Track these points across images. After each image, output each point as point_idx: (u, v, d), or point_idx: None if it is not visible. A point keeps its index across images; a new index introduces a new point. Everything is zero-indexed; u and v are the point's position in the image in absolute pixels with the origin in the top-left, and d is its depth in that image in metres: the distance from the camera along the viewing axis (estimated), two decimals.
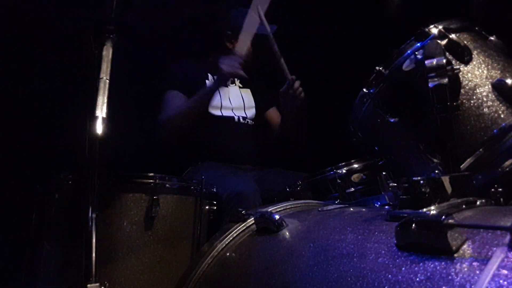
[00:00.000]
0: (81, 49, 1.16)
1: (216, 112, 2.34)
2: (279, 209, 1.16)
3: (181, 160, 2.33)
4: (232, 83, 2.51)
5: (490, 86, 1.12)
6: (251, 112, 2.50)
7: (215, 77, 2.39)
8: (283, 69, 2.14)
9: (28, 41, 2.09)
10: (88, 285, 0.93)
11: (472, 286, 0.49)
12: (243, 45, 2.12)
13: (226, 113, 2.39)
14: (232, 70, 2.09)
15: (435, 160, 1.14)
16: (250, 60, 2.36)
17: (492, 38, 1.24)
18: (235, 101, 2.44)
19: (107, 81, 1.07)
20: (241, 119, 2.42)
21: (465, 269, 0.52)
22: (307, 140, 2.44)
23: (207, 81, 2.38)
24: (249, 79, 2.54)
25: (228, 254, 1.05)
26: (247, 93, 2.54)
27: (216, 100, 2.34)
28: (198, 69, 2.41)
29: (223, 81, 2.21)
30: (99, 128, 1.03)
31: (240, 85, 2.55)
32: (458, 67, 1.10)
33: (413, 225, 0.62)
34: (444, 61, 1.03)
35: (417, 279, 0.55)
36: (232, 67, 2.08)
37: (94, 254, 0.97)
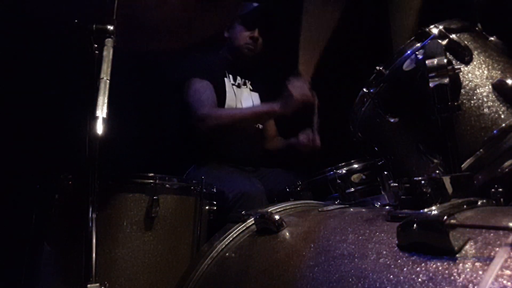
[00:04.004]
0: (81, 49, 1.15)
1: None
2: (279, 210, 1.16)
3: (183, 160, 2.32)
4: (244, 85, 2.49)
5: (490, 86, 1.12)
6: None
7: (230, 75, 2.38)
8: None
9: (28, 41, 2.09)
10: (88, 285, 0.93)
11: (475, 287, 0.48)
12: (307, 64, 2.04)
13: None
14: (302, 96, 2.01)
15: (435, 160, 1.14)
16: (258, 49, 2.38)
17: (492, 39, 1.24)
18: (246, 104, 2.41)
19: (107, 81, 1.07)
20: None
21: (468, 269, 0.52)
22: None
23: (225, 78, 2.36)
24: (258, 83, 2.55)
25: (228, 254, 1.05)
26: (256, 97, 2.52)
27: (232, 101, 2.32)
28: (216, 63, 2.38)
29: (291, 106, 2.04)
30: (99, 128, 1.02)
31: (251, 88, 2.53)
32: (459, 67, 1.10)
33: (415, 225, 0.62)
34: (445, 61, 1.03)
35: (419, 279, 0.55)
36: (302, 90, 2.01)
37: (94, 254, 0.96)
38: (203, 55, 2.31)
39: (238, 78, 2.46)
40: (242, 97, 2.42)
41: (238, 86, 2.44)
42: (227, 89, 2.32)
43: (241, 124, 2.18)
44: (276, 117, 2.43)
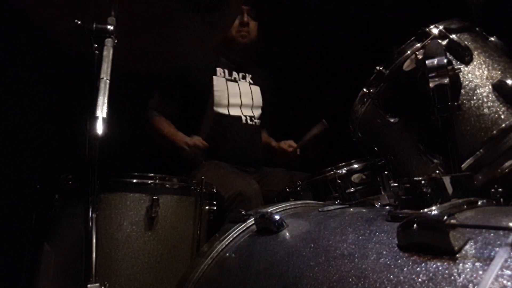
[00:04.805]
0: (81, 49, 1.15)
1: (223, 111, 2.31)
2: (279, 210, 1.16)
3: (183, 160, 2.32)
4: (243, 78, 2.48)
5: (490, 86, 1.13)
6: (258, 112, 2.46)
7: (225, 70, 2.41)
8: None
9: (28, 41, 2.09)
10: (88, 285, 0.93)
11: (475, 287, 0.48)
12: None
13: (234, 111, 2.34)
14: (192, 152, 2.14)
15: (435, 161, 1.15)
16: (250, 34, 2.41)
17: (492, 39, 1.24)
18: (244, 98, 2.40)
19: (108, 81, 1.07)
20: (249, 120, 2.38)
21: (468, 269, 0.52)
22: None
23: (214, 76, 2.35)
24: (259, 76, 2.54)
25: (228, 254, 1.05)
26: (257, 91, 2.50)
27: (223, 98, 2.31)
28: (206, 63, 2.38)
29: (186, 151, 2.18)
30: (99, 128, 1.03)
31: (251, 81, 2.51)
32: (459, 67, 1.10)
33: (415, 225, 0.61)
34: (445, 61, 1.03)
35: (419, 279, 0.55)
36: (194, 150, 2.14)
37: (94, 254, 0.96)
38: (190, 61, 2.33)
39: (234, 72, 2.45)
40: (241, 91, 2.41)
41: (235, 80, 2.43)
42: (216, 88, 2.32)
43: (163, 141, 2.27)
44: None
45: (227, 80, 2.38)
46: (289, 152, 2.38)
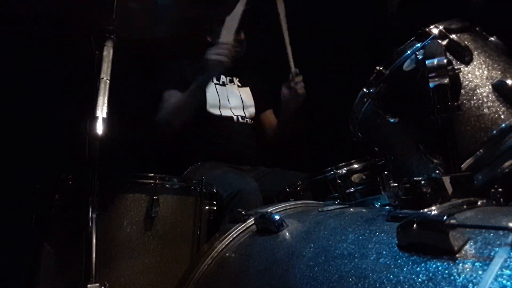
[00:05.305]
0: (81, 49, 1.16)
1: (215, 112, 2.35)
2: (279, 210, 1.16)
3: (181, 160, 2.33)
4: (230, 82, 2.52)
5: (490, 86, 1.12)
6: (250, 111, 2.50)
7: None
8: (288, 58, 2.18)
9: (28, 41, 2.09)
10: (88, 285, 0.93)
11: (475, 287, 0.49)
12: (228, 34, 2.03)
13: (225, 112, 2.39)
14: (217, 58, 2.02)
15: (435, 161, 1.14)
16: (243, 50, 2.42)
17: (492, 39, 1.24)
18: (233, 101, 2.44)
19: (108, 81, 1.07)
20: (240, 119, 2.41)
21: (468, 269, 0.52)
22: (303, 140, 2.44)
23: None
24: (247, 78, 2.57)
25: (228, 254, 1.05)
26: (246, 92, 2.54)
27: (214, 99, 2.36)
28: (194, 70, 2.41)
29: (212, 71, 2.11)
30: (99, 128, 1.03)
31: (239, 84, 2.55)
32: (459, 67, 1.10)
33: (415, 225, 0.62)
34: (445, 61, 1.03)
35: (419, 279, 0.55)
36: (217, 55, 2.02)
37: (94, 254, 0.97)
38: (178, 66, 2.38)
39: (222, 76, 2.49)
40: (229, 95, 2.44)
41: (223, 84, 2.47)
42: (207, 89, 2.33)
43: (185, 108, 2.19)
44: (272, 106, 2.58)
45: (215, 84, 2.43)
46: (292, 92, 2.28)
